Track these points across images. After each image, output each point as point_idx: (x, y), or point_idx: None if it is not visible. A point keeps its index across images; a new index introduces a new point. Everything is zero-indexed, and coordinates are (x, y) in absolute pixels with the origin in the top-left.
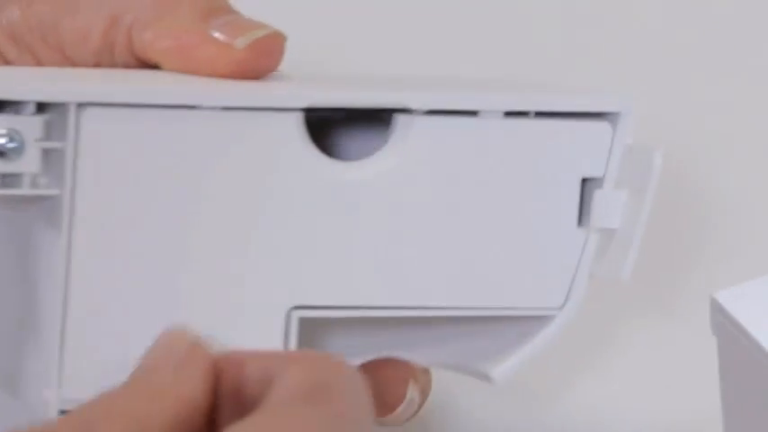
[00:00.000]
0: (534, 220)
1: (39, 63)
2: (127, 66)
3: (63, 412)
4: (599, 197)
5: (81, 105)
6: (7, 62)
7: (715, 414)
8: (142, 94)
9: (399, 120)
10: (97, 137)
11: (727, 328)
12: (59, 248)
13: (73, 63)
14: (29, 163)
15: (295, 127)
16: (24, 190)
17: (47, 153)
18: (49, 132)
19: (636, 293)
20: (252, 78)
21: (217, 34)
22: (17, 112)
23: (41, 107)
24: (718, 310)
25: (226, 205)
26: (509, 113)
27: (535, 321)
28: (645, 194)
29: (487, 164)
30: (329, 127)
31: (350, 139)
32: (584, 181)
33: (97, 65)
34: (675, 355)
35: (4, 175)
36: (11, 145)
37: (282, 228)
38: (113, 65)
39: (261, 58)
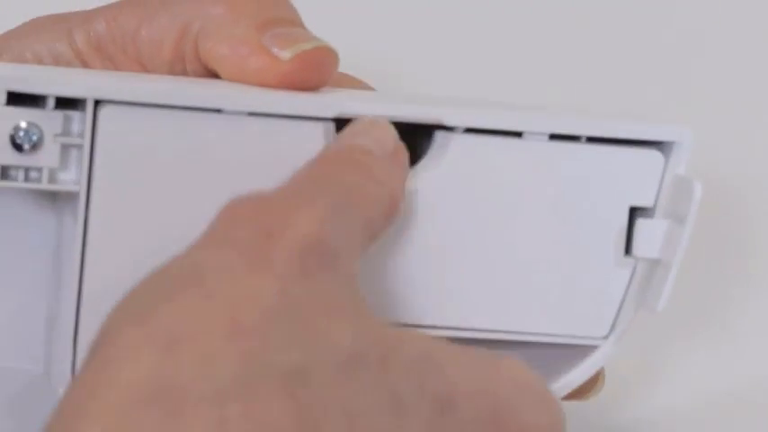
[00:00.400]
0: (580, 246)
1: None
2: (196, 75)
3: None
4: (644, 226)
5: (99, 102)
6: None
7: None
8: (162, 94)
9: (438, 136)
10: (114, 134)
11: None
12: (75, 244)
13: (150, 73)
14: (47, 157)
15: (324, 136)
16: (43, 185)
17: (66, 148)
18: (68, 128)
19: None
20: (300, 91)
21: (268, 45)
22: (37, 107)
23: (62, 103)
24: None
25: None
26: (555, 137)
27: (578, 350)
28: (684, 225)
29: (532, 187)
30: None
31: None
32: (632, 210)
33: (171, 74)
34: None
35: (26, 169)
36: (30, 139)
37: None
38: (185, 74)
39: (306, 71)
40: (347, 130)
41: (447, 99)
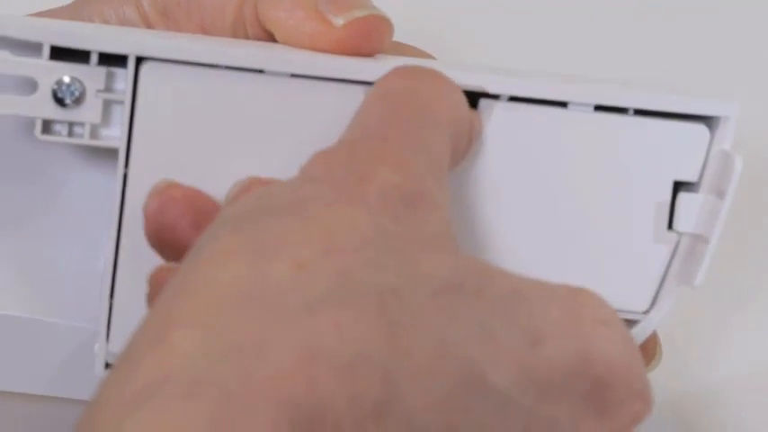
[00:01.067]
0: (623, 219)
1: None
2: (257, 38)
3: (108, 366)
4: (687, 201)
5: (141, 59)
6: None
7: None
8: (204, 53)
9: (483, 104)
10: (154, 91)
11: None
12: (114, 200)
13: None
14: (90, 113)
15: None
16: (85, 140)
17: (108, 104)
18: (110, 84)
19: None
20: (353, 57)
21: (324, 10)
22: (81, 63)
23: (105, 59)
24: None
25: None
26: (600, 108)
27: None
28: (724, 200)
29: (576, 158)
30: None
31: None
32: (676, 185)
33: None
34: None
35: (70, 124)
36: (72, 94)
37: None
38: (247, 38)
39: (358, 38)
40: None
41: (494, 68)
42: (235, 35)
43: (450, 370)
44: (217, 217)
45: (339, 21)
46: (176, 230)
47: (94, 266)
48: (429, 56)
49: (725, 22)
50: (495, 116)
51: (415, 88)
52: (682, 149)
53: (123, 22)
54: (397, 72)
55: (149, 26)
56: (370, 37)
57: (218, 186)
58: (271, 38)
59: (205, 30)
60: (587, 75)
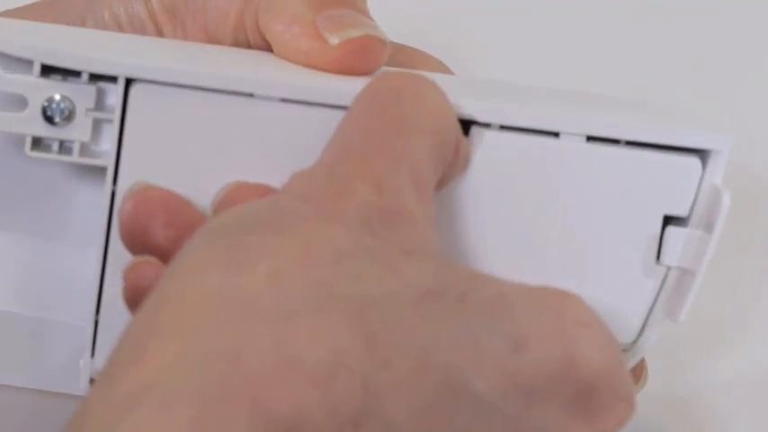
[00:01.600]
0: (611, 251)
1: (186, 41)
2: (257, 46)
3: (93, 381)
4: (675, 235)
5: (130, 80)
6: (163, 37)
7: None
8: (193, 75)
9: (474, 131)
10: (143, 112)
11: None
12: (101, 219)
13: (215, 42)
14: (79, 131)
15: None
16: (74, 157)
17: (98, 123)
18: (101, 101)
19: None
20: (348, 76)
21: (321, 26)
22: (70, 79)
23: (96, 76)
24: None
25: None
26: (593, 138)
27: None
28: (712, 234)
29: (566, 187)
30: None
31: None
32: (666, 218)
33: (235, 44)
34: None
35: (61, 141)
36: (62, 112)
37: None
38: (248, 44)
39: (352, 58)
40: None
41: (490, 84)
42: (236, 39)
43: (431, 379)
44: (197, 230)
45: (334, 40)
46: (149, 231)
47: (87, 266)
48: (441, 64)
49: (725, 31)
50: (486, 143)
51: (398, 95)
52: (673, 183)
53: (132, 17)
54: (382, 79)
55: (156, 23)
56: (364, 57)
57: (204, 205)
58: (268, 46)
59: (208, 32)
60: (587, 88)
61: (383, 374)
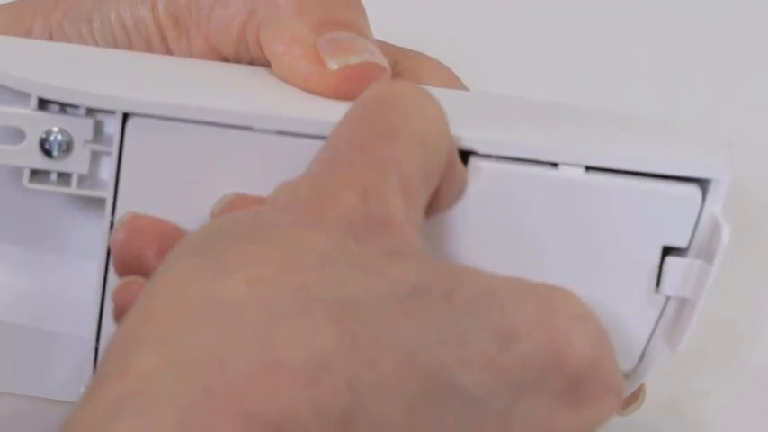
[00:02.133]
0: (609, 282)
1: (189, 50)
2: (258, 59)
3: None
4: (675, 265)
5: (127, 114)
6: (167, 44)
7: None
8: (190, 109)
9: (471, 162)
10: (141, 145)
11: None
12: (101, 252)
13: (217, 53)
14: (77, 163)
15: None
16: (72, 189)
17: (96, 155)
18: (99, 133)
19: None
20: (346, 101)
21: (321, 50)
22: (68, 112)
23: (92, 109)
24: None
25: None
26: (592, 168)
27: None
28: (711, 267)
29: (565, 218)
30: None
31: None
32: (665, 249)
33: (236, 57)
34: None
35: (59, 174)
36: (59, 145)
37: None
38: (249, 57)
39: (350, 85)
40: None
41: (486, 107)
42: (237, 51)
43: (417, 377)
44: (179, 242)
45: (333, 65)
46: (142, 260)
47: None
48: (449, 72)
49: (727, 34)
50: (484, 174)
51: (387, 103)
52: (673, 213)
53: (137, 21)
54: (372, 88)
55: (160, 29)
56: (362, 84)
57: None
58: (267, 63)
59: (210, 42)
60: (590, 103)
61: (369, 374)
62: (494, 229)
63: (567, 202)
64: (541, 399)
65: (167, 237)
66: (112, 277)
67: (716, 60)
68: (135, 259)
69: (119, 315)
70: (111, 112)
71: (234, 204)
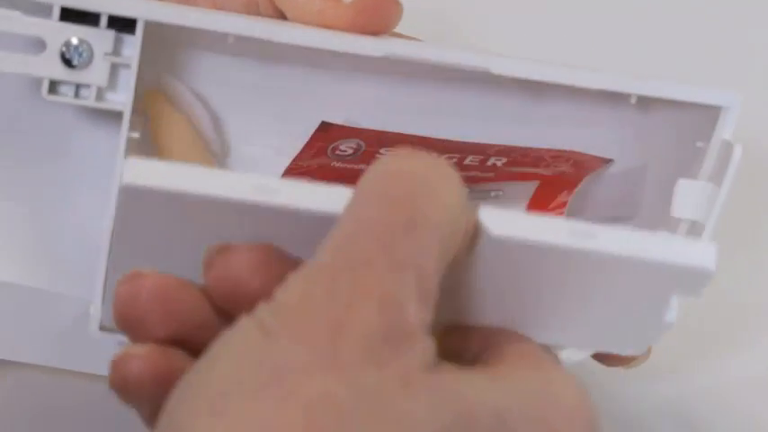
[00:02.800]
0: (632, 304)
1: None
2: (267, 16)
3: (103, 328)
4: (686, 188)
5: (149, 22)
6: None
7: None
8: (214, 21)
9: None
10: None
11: None
12: (117, 166)
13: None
14: (96, 75)
15: None
16: (90, 102)
17: (115, 68)
18: (119, 48)
19: None
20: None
21: None
22: (89, 24)
23: (114, 23)
24: None
25: None
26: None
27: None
28: (721, 187)
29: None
30: None
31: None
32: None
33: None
34: None
35: (77, 86)
36: (80, 55)
37: None
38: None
39: (365, 17)
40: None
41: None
42: (247, 12)
43: None
44: (186, 377)
45: None
46: (146, 324)
47: (97, 235)
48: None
49: (726, 13)
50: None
51: (411, 186)
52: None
53: None
54: (392, 164)
55: None
56: (376, 15)
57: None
58: (281, 17)
59: (216, 4)
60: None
61: None
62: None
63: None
64: None
65: (173, 299)
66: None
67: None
68: (138, 322)
69: (118, 385)
70: (133, 28)
71: (221, 253)
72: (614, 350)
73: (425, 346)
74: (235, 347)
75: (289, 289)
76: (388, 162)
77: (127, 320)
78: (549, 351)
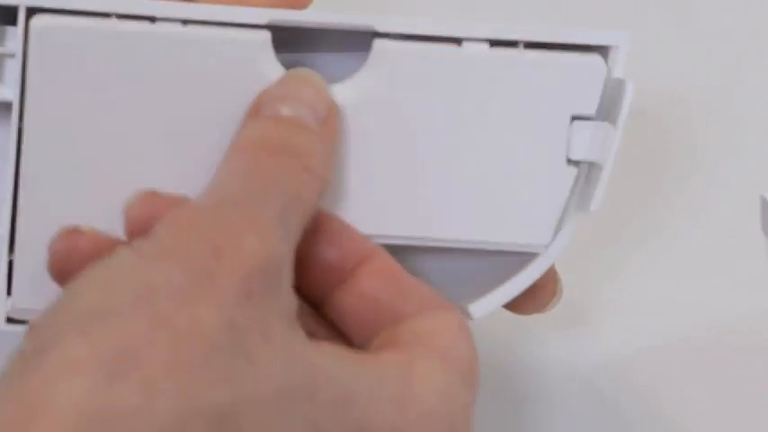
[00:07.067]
0: (522, 154)
1: None
2: None
3: (12, 320)
4: (582, 130)
5: (31, 9)
6: None
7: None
8: (94, 1)
9: (376, 45)
10: (46, 42)
11: None
12: (9, 157)
13: None
14: None
15: (260, 46)
16: None
17: (1, 58)
18: (2, 39)
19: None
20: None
21: None
22: None
23: None
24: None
25: (181, 121)
26: (496, 43)
27: (520, 258)
28: (616, 126)
29: (473, 95)
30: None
31: (330, 67)
32: (573, 116)
33: None
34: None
35: None
36: None
37: None
38: None
39: None
40: (276, 88)
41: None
42: None
43: None
44: (59, 300)
45: None
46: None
47: None
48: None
49: None
50: (390, 57)
51: (285, 133)
52: (579, 83)
53: None
54: (269, 119)
55: None
56: None
57: (111, 137)
58: None
59: None
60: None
61: None
62: (403, 111)
63: (473, 79)
64: None
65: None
66: (25, 187)
67: None
68: (72, 274)
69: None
70: (14, 20)
71: (147, 203)
72: (513, 238)
73: (290, 300)
74: (107, 270)
75: (168, 220)
76: (260, 124)
77: (62, 274)
78: (452, 310)
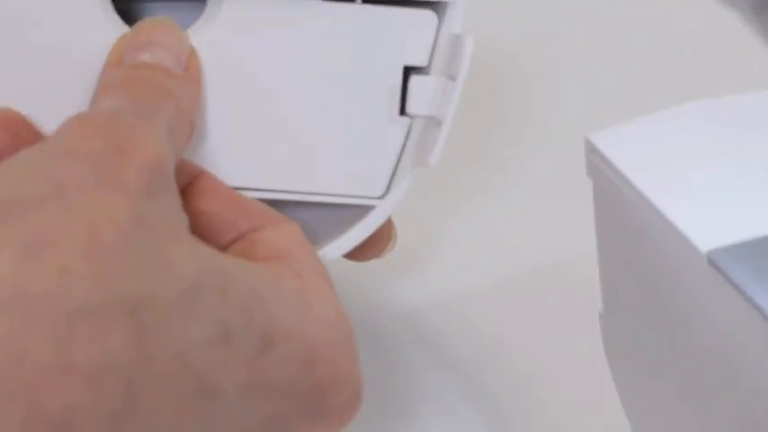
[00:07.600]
0: (354, 105)
1: None
2: None
3: None
4: (418, 84)
5: None
6: None
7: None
8: None
9: (210, 2)
10: None
11: (601, 169)
12: None
13: None
14: None
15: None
16: None
17: None
18: None
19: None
20: None
21: None
22: None
23: None
24: (592, 152)
25: (21, 73)
26: None
27: (356, 210)
28: (456, 81)
29: (304, 47)
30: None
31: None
32: (407, 69)
33: None
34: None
35: None
36: None
37: (82, 100)
38: None
39: None
40: (134, 36)
41: None
42: None
43: (186, 376)
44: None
45: None
46: None
47: None
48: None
49: None
50: (224, 9)
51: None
52: (410, 35)
53: None
54: (133, 68)
55: None
56: None
57: None
58: None
59: None
60: None
61: (146, 371)
62: (233, 61)
63: (305, 32)
64: (285, 405)
65: (20, 132)
66: None
67: None
68: None
69: None
70: None
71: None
72: (348, 190)
73: (177, 194)
74: (13, 167)
75: (69, 122)
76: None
77: None
78: (289, 221)
